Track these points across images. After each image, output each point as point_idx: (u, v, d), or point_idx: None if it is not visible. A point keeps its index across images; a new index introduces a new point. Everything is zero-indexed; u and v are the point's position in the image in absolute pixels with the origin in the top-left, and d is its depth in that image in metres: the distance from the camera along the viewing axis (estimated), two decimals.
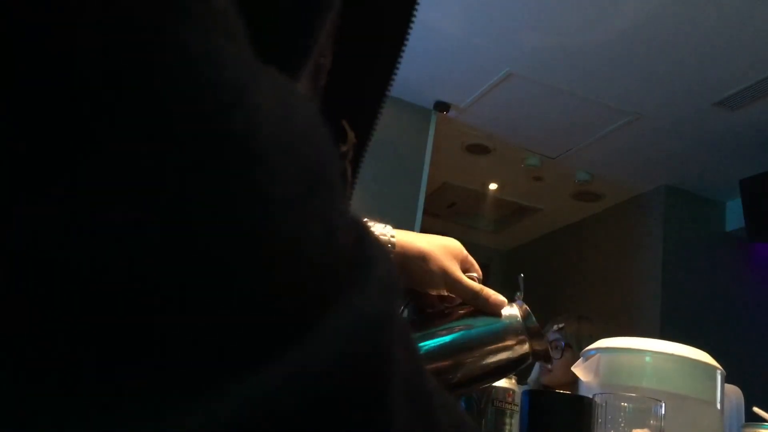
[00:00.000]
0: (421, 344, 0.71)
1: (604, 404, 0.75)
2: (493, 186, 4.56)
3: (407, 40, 0.41)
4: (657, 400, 0.75)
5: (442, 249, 0.75)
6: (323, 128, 0.19)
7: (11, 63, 0.14)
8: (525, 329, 0.72)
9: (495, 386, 0.84)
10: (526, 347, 0.72)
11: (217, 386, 0.15)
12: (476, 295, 0.73)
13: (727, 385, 0.99)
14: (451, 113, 3.66)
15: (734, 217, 4.08)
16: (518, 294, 0.76)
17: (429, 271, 0.73)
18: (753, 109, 3.22)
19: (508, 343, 0.72)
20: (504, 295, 0.74)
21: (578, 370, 0.97)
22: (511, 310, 0.73)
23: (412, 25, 0.41)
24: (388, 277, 0.19)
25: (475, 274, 0.77)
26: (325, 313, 0.16)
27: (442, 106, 3.61)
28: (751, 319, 3.95)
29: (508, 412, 0.85)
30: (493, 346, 0.72)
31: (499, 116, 3.66)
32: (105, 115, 0.15)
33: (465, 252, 0.78)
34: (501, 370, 0.73)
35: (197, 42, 0.16)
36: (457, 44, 3.05)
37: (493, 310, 0.73)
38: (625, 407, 0.75)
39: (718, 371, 0.94)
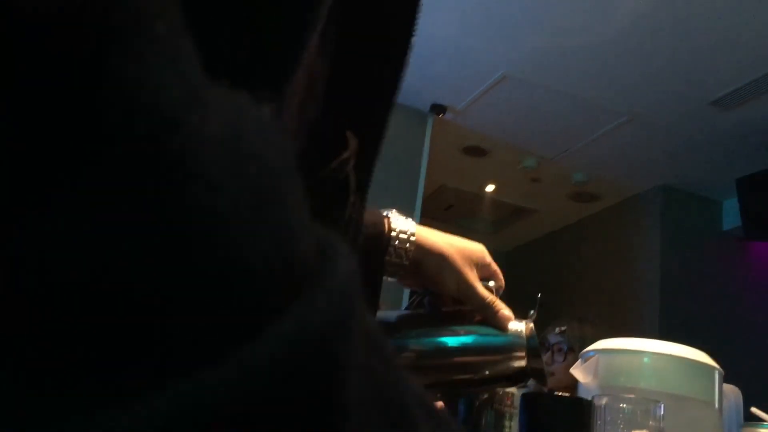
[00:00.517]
0: (423, 340, 0.71)
1: (602, 405, 0.75)
2: (490, 188, 4.56)
3: (412, 45, 0.42)
4: (656, 400, 0.75)
5: (461, 253, 0.75)
6: (278, 144, 0.20)
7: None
8: (526, 348, 0.72)
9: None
10: (522, 365, 0.72)
11: (149, 388, 0.15)
12: (485, 306, 0.73)
13: (725, 385, 0.99)
14: (448, 116, 3.67)
15: (731, 216, 4.09)
16: (532, 313, 0.76)
17: (443, 274, 0.73)
18: (748, 108, 3.22)
19: (506, 357, 0.72)
20: (507, 304, 0.74)
21: (577, 371, 0.97)
22: (518, 326, 0.74)
23: (415, 31, 0.41)
24: (345, 288, 0.19)
25: (492, 283, 0.77)
26: (268, 323, 0.16)
27: (438, 109, 3.61)
28: (749, 318, 3.95)
29: (507, 414, 0.85)
30: (490, 357, 0.72)
31: (495, 118, 3.66)
32: (41, 148, 0.15)
33: (488, 259, 0.77)
34: (493, 381, 0.73)
35: (131, 68, 0.16)
36: (452, 47, 3.06)
37: (499, 325, 0.73)
38: (623, 408, 0.75)
39: (717, 371, 0.94)
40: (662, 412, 0.74)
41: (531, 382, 0.75)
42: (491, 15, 2.83)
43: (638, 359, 0.93)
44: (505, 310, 0.73)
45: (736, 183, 3.73)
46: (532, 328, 0.73)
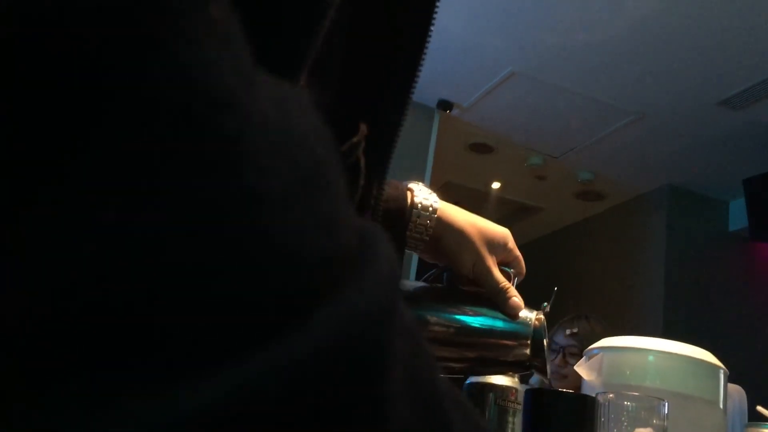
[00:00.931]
0: (431, 312, 0.71)
1: (607, 403, 0.75)
2: (495, 185, 4.56)
3: (431, 34, 0.42)
4: (660, 399, 0.75)
5: (482, 234, 0.74)
6: (322, 131, 0.20)
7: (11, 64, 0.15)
8: (530, 338, 0.72)
9: (497, 384, 0.84)
10: (524, 354, 0.72)
11: (206, 374, 0.15)
12: (497, 291, 0.73)
13: (730, 385, 0.99)
14: (455, 112, 3.66)
15: (737, 216, 4.08)
16: (545, 305, 0.76)
17: (461, 252, 0.73)
18: (757, 109, 3.21)
19: (509, 344, 0.72)
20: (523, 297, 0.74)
21: (581, 369, 0.97)
22: (529, 315, 0.73)
23: (434, 19, 0.42)
24: (388, 274, 0.19)
25: (511, 270, 0.76)
26: (318, 307, 0.17)
27: (445, 105, 3.61)
28: (755, 318, 3.94)
29: (511, 410, 0.84)
30: (492, 341, 0.72)
31: (502, 115, 3.65)
32: (99, 119, 0.15)
33: (510, 244, 0.77)
34: (492, 365, 0.73)
35: (188, 50, 0.16)
36: (460, 43, 3.05)
37: (508, 312, 0.72)
38: (628, 406, 0.75)
39: (721, 370, 0.94)
40: (666, 411, 0.74)
41: (536, 377, 0.75)
42: (500, 11, 2.82)
43: (643, 358, 0.93)
44: (516, 298, 0.73)
45: (743, 184, 3.72)
46: (541, 320, 0.73)
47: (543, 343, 0.72)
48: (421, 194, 0.73)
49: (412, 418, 0.19)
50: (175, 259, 0.15)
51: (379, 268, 0.19)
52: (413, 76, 0.43)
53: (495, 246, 0.75)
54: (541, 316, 0.74)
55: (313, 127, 0.20)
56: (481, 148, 4.06)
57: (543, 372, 0.73)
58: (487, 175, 4.42)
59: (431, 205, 0.72)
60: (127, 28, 0.16)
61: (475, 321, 0.72)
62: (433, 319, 0.71)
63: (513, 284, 0.77)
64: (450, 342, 0.71)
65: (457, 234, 0.73)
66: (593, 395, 0.77)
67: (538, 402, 0.76)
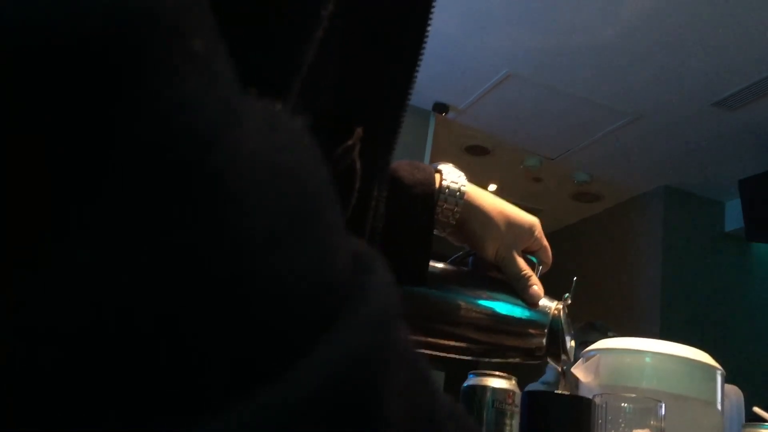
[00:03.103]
0: (452, 294, 0.71)
1: (604, 405, 0.75)
2: (492, 187, 4.56)
3: (427, 37, 0.42)
4: (657, 400, 0.75)
5: (507, 221, 0.74)
6: (313, 159, 0.19)
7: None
8: (547, 328, 0.72)
9: (495, 387, 0.84)
10: (540, 343, 0.72)
11: (192, 419, 0.15)
12: (518, 278, 0.73)
13: (727, 386, 0.99)
14: (450, 115, 3.66)
15: (733, 217, 4.09)
16: (566, 296, 0.76)
17: (485, 238, 0.73)
18: (752, 110, 3.22)
19: (526, 332, 0.72)
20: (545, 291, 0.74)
21: (578, 370, 0.97)
22: (549, 304, 0.73)
23: (430, 22, 0.42)
24: (384, 304, 0.19)
25: (534, 259, 0.76)
26: (310, 349, 0.16)
27: (441, 108, 3.61)
28: (751, 319, 3.95)
29: (509, 413, 0.84)
30: (510, 327, 0.72)
31: (498, 117, 3.66)
32: (77, 161, 0.15)
33: (537, 233, 0.77)
34: (509, 351, 0.73)
35: (169, 87, 0.16)
36: (456, 45, 3.05)
37: (528, 300, 0.72)
38: (625, 408, 0.75)
39: (718, 371, 0.94)
40: (663, 412, 0.74)
41: (547, 380, 0.75)
42: (495, 14, 2.82)
43: (640, 359, 0.93)
44: (536, 286, 0.73)
45: (739, 184, 3.72)
46: (560, 309, 0.73)
47: (560, 333, 0.72)
48: (450, 177, 0.73)
49: None
50: (158, 311, 0.15)
51: (374, 299, 0.18)
52: (411, 79, 0.44)
53: (521, 233, 0.75)
54: (561, 306, 0.74)
55: (303, 156, 0.19)
56: (477, 151, 4.06)
57: (558, 362, 0.73)
58: (484, 177, 4.42)
59: (459, 189, 0.72)
60: (106, 65, 0.15)
61: (494, 306, 0.72)
62: (453, 300, 0.71)
63: (537, 273, 0.76)
64: (468, 324, 0.71)
65: (483, 219, 0.73)
66: (590, 397, 0.77)
67: (535, 404, 0.76)
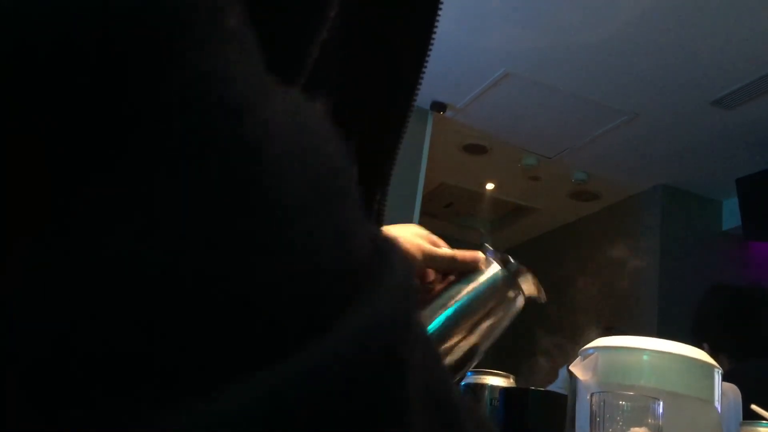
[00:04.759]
0: (429, 323, 0.72)
1: (602, 403, 0.75)
2: (490, 186, 4.56)
3: (433, 41, 0.42)
4: (655, 398, 0.75)
5: (408, 231, 0.79)
6: (336, 141, 0.20)
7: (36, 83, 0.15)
8: (509, 273, 0.74)
9: (493, 386, 0.84)
10: (512, 290, 0.73)
11: (224, 385, 0.15)
12: (453, 257, 0.76)
13: (724, 384, 0.99)
14: (448, 113, 3.66)
15: (731, 215, 4.09)
16: (486, 246, 0.78)
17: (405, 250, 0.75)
18: (749, 108, 3.22)
19: (502, 292, 0.73)
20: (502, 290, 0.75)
21: (576, 369, 0.97)
22: (492, 265, 0.76)
23: (434, 33, 0.42)
24: (403, 284, 0.19)
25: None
26: (338, 316, 0.17)
27: (438, 107, 3.61)
28: None
29: (487, 409, 0.85)
30: (484, 303, 0.73)
31: (495, 116, 3.66)
32: (117, 134, 0.15)
33: (428, 232, 0.81)
34: (502, 322, 0.74)
35: (207, 61, 0.17)
36: (453, 44, 3.05)
37: (475, 264, 0.75)
38: (622, 406, 0.75)
39: (716, 369, 0.94)
40: (661, 410, 0.74)
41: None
42: (493, 13, 2.82)
43: (638, 357, 0.93)
44: (467, 252, 0.76)
45: (737, 183, 3.73)
46: (504, 256, 0.76)
47: (519, 267, 0.74)
48: None
49: (430, 427, 0.19)
50: (195, 269, 0.15)
51: (394, 278, 0.19)
52: (415, 85, 0.44)
53: (422, 236, 0.79)
54: (500, 254, 0.76)
55: (327, 136, 0.20)
56: (475, 149, 4.06)
57: (539, 293, 0.75)
58: (482, 176, 4.42)
59: None
60: (146, 40, 0.16)
61: (468, 297, 0.73)
62: (440, 327, 0.72)
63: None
64: (462, 331, 0.72)
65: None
66: (588, 395, 0.77)
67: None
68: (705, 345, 1.85)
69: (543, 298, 0.78)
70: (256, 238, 0.16)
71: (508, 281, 0.73)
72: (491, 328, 0.73)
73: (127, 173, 0.16)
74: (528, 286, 0.74)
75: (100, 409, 0.15)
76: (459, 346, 0.71)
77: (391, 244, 0.20)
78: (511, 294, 0.73)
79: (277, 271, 0.16)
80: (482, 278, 0.73)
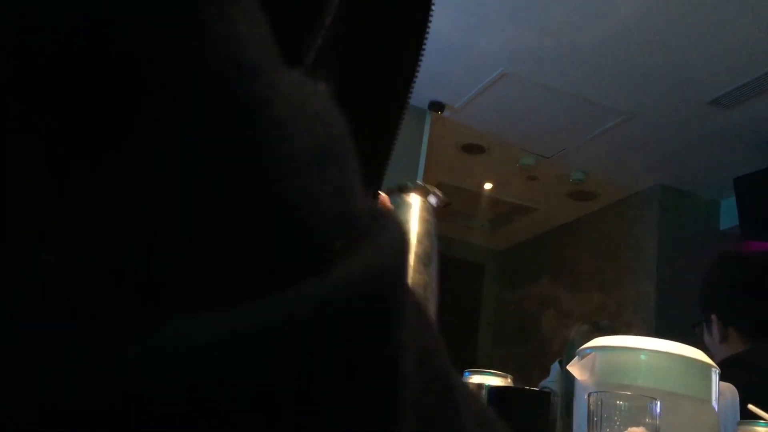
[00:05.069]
0: None
1: (599, 403, 0.75)
2: (488, 185, 4.56)
3: (426, 39, 0.42)
4: (652, 398, 0.75)
5: None
6: (336, 113, 0.21)
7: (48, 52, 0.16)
8: (408, 194, 0.74)
9: (490, 385, 0.84)
10: (426, 205, 0.74)
11: (242, 305, 0.16)
12: None
13: (721, 383, 0.99)
14: (446, 113, 3.67)
15: (729, 215, 4.09)
16: (394, 188, 0.79)
17: None
18: (747, 108, 3.23)
19: (418, 215, 0.74)
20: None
21: (574, 369, 0.97)
22: (399, 199, 0.77)
23: (427, 33, 0.42)
24: (400, 244, 0.20)
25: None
26: (337, 259, 0.18)
27: (436, 106, 3.61)
28: None
29: None
30: (418, 229, 0.74)
31: (493, 116, 3.66)
32: (132, 94, 0.17)
33: None
34: (430, 235, 0.75)
35: (222, 26, 0.18)
36: (451, 44, 3.05)
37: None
38: (620, 406, 0.75)
39: (713, 369, 0.94)
40: (659, 410, 0.74)
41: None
42: (490, 12, 2.83)
43: (635, 357, 0.93)
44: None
45: (734, 182, 3.73)
46: (396, 188, 0.76)
47: (410, 187, 0.75)
48: None
49: (419, 379, 0.20)
50: (210, 208, 0.17)
51: (391, 237, 0.20)
52: (410, 82, 0.44)
53: None
54: (390, 190, 0.76)
55: (327, 107, 0.21)
56: (473, 149, 4.06)
57: (441, 201, 0.76)
58: (480, 175, 4.43)
59: None
60: (158, 6, 0.17)
61: None
62: None
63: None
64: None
65: None
66: (586, 395, 0.77)
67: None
68: (713, 317, 1.76)
69: (444, 199, 0.79)
70: (261, 182, 0.18)
71: (414, 202, 0.74)
72: (429, 255, 0.73)
73: (147, 123, 0.17)
74: (429, 197, 0.75)
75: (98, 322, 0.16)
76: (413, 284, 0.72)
77: (385, 212, 0.21)
78: (425, 215, 0.74)
79: (278, 214, 0.18)
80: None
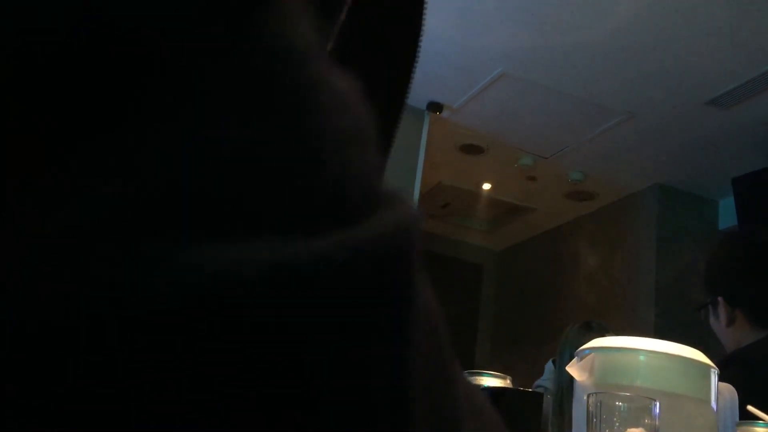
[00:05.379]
0: None
1: (598, 404, 0.75)
2: (486, 186, 4.56)
3: (419, 47, 0.43)
4: (651, 399, 0.75)
5: None
6: (365, 104, 0.23)
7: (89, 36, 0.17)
8: None
9: (489, 386, 0.84)
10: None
11: (285, 241, 0.18)
12: None
13: (720, 384, 0.99)
14: (445, 114, 3.67)
15: (727, 215, 4.10)
16: None
17: None
18: (745, 108, 3.23)
19: None
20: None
21: (573, 370, 0.97)
22: None
23: (422, 33, 0.42)
24: (416, 219, 0.22)
25: None
26: (368, 215, 0.20)
27: (435, 107, 3.61)
28: None
29: None
30: None
31: (492, 116, 3.66)
32: (201, 72, 0.19)
33: None
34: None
35: (273, 21, 0.20)
36: (449, 45, 3.05)
37: None
38: (619, 406, 0.75)
39: (712, 370, 0.94)
40: (658, 411, 0.74)
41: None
42: (489, 13, 2.83)
43: (634, 357, 0.93)
44: None
45: (733, 182, 3.73)
46: None
47: None
48: None
49: (428, 352, 0.21)
50: (270, 163, 0.19)
51: (409, 212, 0.21)
52: (406, 87, 0.44)
53: None
54: None
55: (358, 99, 0.23)
56: (471, 150, 4.06)
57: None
58: (478, 176, 4.43)
59: None
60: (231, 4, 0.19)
61: None
62: None
63: None
64: None
65: None
66: (585, 396, 0.77)
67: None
68: (720, 299, 1.68)
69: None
70: (310, 151, 0.20)
71: None
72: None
73: (210, 99, 0.19)
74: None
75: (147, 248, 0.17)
76: None
77: (404, 194, 0.23)
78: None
79: (313, 177, 0.19)
80: None
